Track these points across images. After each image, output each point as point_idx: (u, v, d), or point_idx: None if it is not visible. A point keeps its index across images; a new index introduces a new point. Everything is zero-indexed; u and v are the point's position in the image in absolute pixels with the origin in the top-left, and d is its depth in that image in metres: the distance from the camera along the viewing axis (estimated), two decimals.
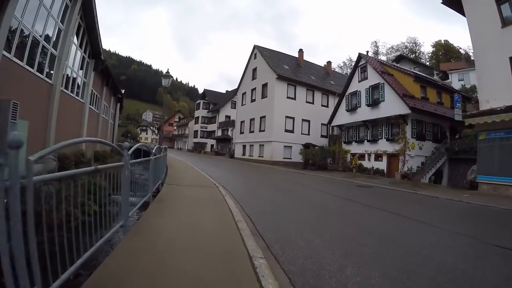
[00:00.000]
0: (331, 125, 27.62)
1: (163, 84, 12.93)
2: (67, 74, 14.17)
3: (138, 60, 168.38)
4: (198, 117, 57.47)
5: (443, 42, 53.44)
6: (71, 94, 14.63)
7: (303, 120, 29.80)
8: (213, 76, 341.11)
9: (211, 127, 53.83)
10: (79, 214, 2.98)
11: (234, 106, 48.69)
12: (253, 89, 32.92)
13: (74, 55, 14.82)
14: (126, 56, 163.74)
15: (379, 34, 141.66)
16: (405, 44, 57.82)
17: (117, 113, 30.04)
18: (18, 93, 9.56)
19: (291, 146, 28.60)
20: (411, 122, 20.19)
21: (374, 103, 22.33)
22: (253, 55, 34.39)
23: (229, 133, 43.01)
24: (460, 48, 51.71)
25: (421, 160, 20.27)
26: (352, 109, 24.58)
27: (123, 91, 30.90)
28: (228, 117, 48.67)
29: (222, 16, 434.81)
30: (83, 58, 16.06)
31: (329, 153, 25.72)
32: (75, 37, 14.68)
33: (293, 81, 29.50)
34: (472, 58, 46.52)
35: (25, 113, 10.00)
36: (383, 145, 21.55)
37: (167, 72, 12.69)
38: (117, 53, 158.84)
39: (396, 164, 20.44)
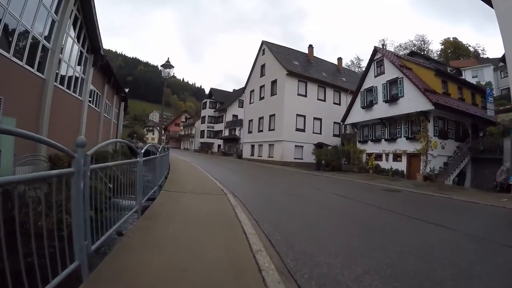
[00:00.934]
0: (345, 123, 26.13)
1: (162, 75, 11.53)
2: (63, 69, 13.18)
3: (144, 61, 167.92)
4: (205, 116, 56.24)
5: (452, 39, 52.36)
6: (67, 90, 13.60)
7: (314, 118, 28.37)
8: (220, 77, 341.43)
9: (218, 126, 52.60)
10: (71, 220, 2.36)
11: (241, 105, 47.39)
12: (262, 86, 31.57)
13: (71, 49, 13.81)
14: (133, 57, 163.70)
15: (386, 33, 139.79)
16: (413, 42, 56.78)
17: (121, 113, 29.02)
18: (2, 88, 8.55)
19: (302, 146, 27.19)
20: (433, 119, 18.68)
21: (392, 99, 20.83)
22: (261, 51, 33.04)
23: (237, 132, 41.71)
24: (469, 45, 50.83)
25: (443, 160, 18.83)
26: (367, 106, 23.13)
27: (127, 90, 29.80)
28: (235, 116, 47.44)
29: (229, 17, 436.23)
30: (81, 53, 15.02)
31: (343, 153, 24.25)
32: (72, 30, 13.66)
33: (304, 77, 28.10)
34: (481, 56, 46.35)
35: (11, 110, 9.00)
36: (402, 144, 20.08)
37: (167, 61, 11.31)
38: (123, 54, 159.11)
39: (417, 164, 18.98)
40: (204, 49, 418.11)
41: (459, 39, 51.99)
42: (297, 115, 27.17)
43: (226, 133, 48.23)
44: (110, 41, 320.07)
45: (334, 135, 29.97)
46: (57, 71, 12.47)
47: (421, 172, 18.28)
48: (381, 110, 21.75)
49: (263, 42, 32.35)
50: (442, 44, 53.15)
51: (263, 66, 32.11)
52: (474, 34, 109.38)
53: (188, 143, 69.13)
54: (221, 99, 55.09)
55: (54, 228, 2.09)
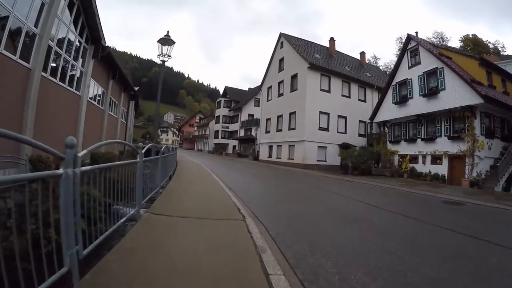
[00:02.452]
0: (374, 121, 23.47)
1: (159, 54, 9.30)
2: (56, 60, 11.42)
3: (159, 62, 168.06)
4: (219, 116, 54.02)
5: (471, 36, 50.19)
6: (61, 83, 11.82)
7: (339, 116, 25.86)
8: (236, 78, 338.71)
9: (233, 126, 50.41)
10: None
11: (257, 104, 45.38)
12: (280, 82, 29.20)
13: (66, 37, 11.98)
14: (147, 59, 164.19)
15: (403, 31, 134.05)
16: (431, 39, 53.13)
17: (130, 112, 27.33)
18: None
19: (325, 147, 24.74)
20: (480, 115, 16.14)
21: (430, 93, 18.25)
22: (279, 44, 30.77)
23: (253, 133, 39.43)
24: (489, 42, 48.98)
25: (490, 162, 16.33)
26: (401, 102, 20.53)
27: (136, 88, 28.09)
28: (251, 115, 45.20)
29: (245, 19, 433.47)
30: (79, 43, 13.23)
31: (373, 155, 21.66)
32: (68, 16, 11.91)
33: (327, 71, 25.64)
34: (501, 53, 43.42)
35: None
36: (443, 145, 17.50)
37: (167, 35, 9.05)
38: (138, 56, 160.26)
39: (461, 168, 16.41)
40: (220, 50, 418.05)
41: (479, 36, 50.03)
42: (320, 112, 24.71)
43: (241, 133, 46.01)
44: (126, 44, 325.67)
45: (360, 135, 27.40)
46: (49, 62, 10.78)
47: (466, 177, 15.67)
48: (417, 105, 19.18)
49: (281, 35, 30.06)
50: (462, 41, 51.12)
51: (281, 60, 29.76)
52: (491, 33, 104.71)
53: (202, 144, 67.30)
54: (236, 98, 52.94)
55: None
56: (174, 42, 8.95)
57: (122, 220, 3.43)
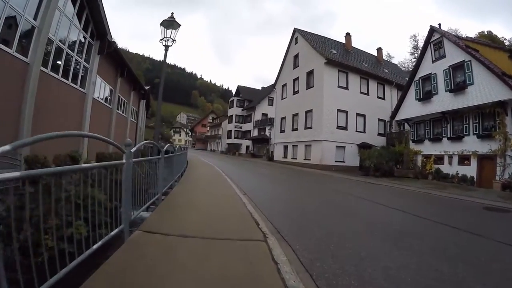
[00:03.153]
0: (395, 119, 22.05)
1: (162, 38, 8.32)
2: (58, 54, 10.74)
3: (171, 63, 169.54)
4: (232, 115, 53.16)
5: (486, 33, 47.94)
6: (63, 79, 11.15)
7: (357, 114, 24.54)
8: (249, 79, 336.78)
9: (246, 126, 49.46)
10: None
11: (271, 103, 44.40)
12: (295, 79, 28.07)
13: (68, 31, 11.31)
14: (160, 60, 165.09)
15: (416, 29, 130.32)
16: None
17: (141, 111, 26.78)
18: None
19: (344, 147, 23.49)
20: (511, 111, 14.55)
21: (457, 88, 16.85)
22: (293, 39, 29.68)
23: (267, 132, 38.38)
24: (505, 39, 46.56)
25: None
26: (424, 98, 19.15)
27: (147, 87, 27.53)
28: (265, 115, 44.15)
29: (258, 20, 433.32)
30: (84, 39, 12.62)
31: (395, 155, 20.31)
32: (71, 8, 11.31)
33: (344, 66, 24.37)
34: None
35: None
36: (472, 144, 16.10)
37: (171, 17, 8.07)
38: (151, 57, 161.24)
39: (491, 169, 15.02)
40: (232, 51, 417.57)
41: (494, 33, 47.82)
42: (338, 110, 23.45)
43: (255, 133, 45.04)
44: (139, 45, 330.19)
45: (379, 134, 25.95)
46: (50, 57, 10.14)
47: (498, 179, 14.28)
48: (443, 101, 17.78)
49: (296, 30, 28.95)
50: (477, 37, 48.80)
51: (296, 57, 28.64)
52: (506, 31, 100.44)
53: (214, 144, 66.70)
54: (249, 97, 52.00)
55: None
56: (179, 25, 7.97)
57: (98, 244, 2.49)
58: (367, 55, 32.53)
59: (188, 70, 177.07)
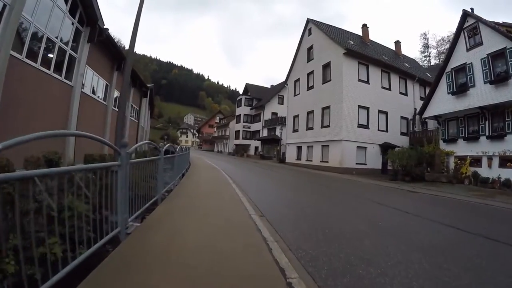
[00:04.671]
0: (424, 116, 19.71)
1: None
2: (36, 40, 9.05)
3: (179, 65, 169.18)
4: (240, 115, 50.70)
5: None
6: (43, 69, 9.33)
7: (379, 111, 22.22)
8: (258, 80, 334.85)
9: (255, 126, 47.09)
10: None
11: (281, 101, 42.43)
12: (310, 73, 25.80)
13: (51, 13, 9.48)
14: (167, 61, 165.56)
15: (427, 27, 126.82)
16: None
17: (144, 110, 24.93)
18: None
19: (365, 147, 21.21)
20: None
21: (499, 79, 14.66)
22: (306, 31, 27.48)
23: (277, 132, 36.12)
24: None
25: None
26: (458, 92, 16.87)
27: (150, 85, 25.68)
28: (274, 114, 41.84)
29: (268, 23, 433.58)
30: (72, 24, 10.79)
31: (424, 157, 18.05)
32: None
33: (364, 58, 22.09)
34: None
35: None
36: None
37: None
38: (158, 58, 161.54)
39: None
40: (242, 53, 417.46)
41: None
42: (359, 106, 21.15)
43: (264, 133, 42.67)
44: (147, 47, 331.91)
45: (402, 134, 23.61)
46: (25, 42, 8.39)
47: None
48: (482, 95, 15.58)
49: (309, 21, 26.73)
50: None
51: (310, 49, 26.40)
52: None
53: (222, 145, 64.52)
54: (258, 96, 49.77)
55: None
56: None
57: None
58: (385, 48, 30.17)
59: (195, 71, 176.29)
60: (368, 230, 4.71)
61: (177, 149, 8.83)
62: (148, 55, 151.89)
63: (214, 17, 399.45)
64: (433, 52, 53.61)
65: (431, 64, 51.58)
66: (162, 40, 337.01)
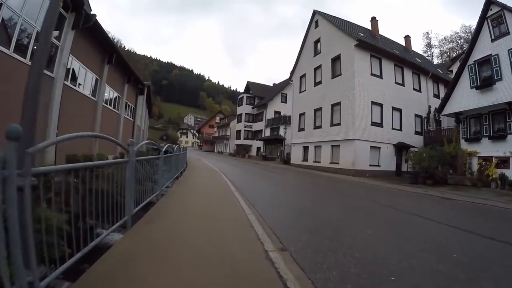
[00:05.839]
0: (443, 113, 18.13)
1: None
2: (8, 23, 7.65)
3: (179, 65, 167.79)
4: (241, 114, 48.79)
5: None
6: (16, 55, 7.83)
7: (393, 108, 20.57)
8: (261, 81, 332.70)
9: (257, 126, 45.33)
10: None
11: (284, 99, 40.85)
12: (317, 68, 24.09)
13: None
14: (167, 62, 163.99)
15: (429, 26, 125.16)
16: (460, 34, 50.63)
17: (140, 109, 23.40)
18: None
19: (379, 147, 19.57)
20: None
21: None
22: (312, 23, 25.80)
23: (281, 132, 34.49)
24: None
25: None
26: (483, 86, 15.39)
27: (147, 82, 24.16)
28: (277, 113, 40.14)
29: (270, 24, 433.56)
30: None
31: (445, 157, 16.51)
32: None
33: (377, 50, 20.47)
34: None
35: None
36: None
37: None
38: (158, 59, 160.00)
39: None
40: (244, 54, 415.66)
41: None
42: (373, 103, 19.47)
43: (267, 133, 40.98)
44: (147, 48, 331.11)
45: (416, 133, 22.02)
46: None
47: None
48: (510, 89, 14.09)
49: (316, 12, 25.04)
50: None
51: (317, 42, 24.70)
52: None
53: (222, 146, 62.71)
54: (260, 94, 48.01)
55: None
56: None
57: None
58: (395, 43, 28.60)
59: (196, 71, 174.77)
60: (437, 265, 3.13)
61: (164, 147, 7.21)
62: (149, 56, 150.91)
63: (216, 18, 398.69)
64: (436, 51, 52.42)
65: (434, 64, 50.77)
66: (163, 41, 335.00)
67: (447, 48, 52.12)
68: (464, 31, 50.31)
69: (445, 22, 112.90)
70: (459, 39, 50.82)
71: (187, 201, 6.18)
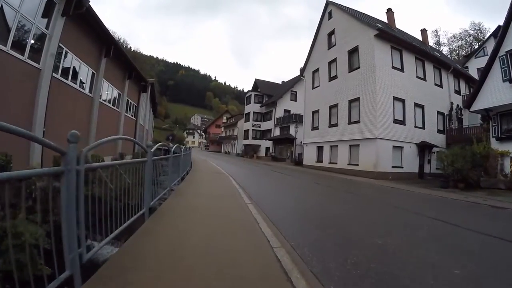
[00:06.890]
0: (472, 109, 16.49)
1: None
2: None
3: (185, 65, 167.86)
4: (249, 113, 47.09)
5: None
6: None
7: (415, 104, 18.98)
8: (269, 80, 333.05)
9: (266, 125, 43.74)
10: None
11: (294, 97, 39.46)
12: (332, 62, 22.53)
13: None
14: (174, 62, 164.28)
15: (437, 24, 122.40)
16: (469, 32, 49.47)
17: (144, 108, 22.23)
18: None
19: (401, 147, 17.98)
20: None
21: None
22: (325, 15, 24.29)
23: (291, 131, 33.01)
24: None
25: None
26: None
27: (151, 80, 22.99)
28: (287, 111, 38.65)
29: (277, 25, 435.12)
30: None
31: (475, 158, 14.95)
32: None
33: (398, 42, 18.90)
34: None
35: None
36: None
37: None
38: (164, 59, 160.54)
39: None
40: (250, 54, 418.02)
41: None
42: (394, 98, 17.89)
43: (276, 132, 39.44)
44: (154, 48, 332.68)
45: (438, 131, 20.42)
46: None
47: None
48: None
49: (329, 3, 23.52)
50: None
51: (331, 34, 23.16)
52: None
53: (229, 146, 61.26)
54: (268, 92, 46.29)
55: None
56: None
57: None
58: (411, 37, 27.03)
59: (202, 72, 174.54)
60: None
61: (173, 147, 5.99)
62: (155, 56, 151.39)
63: (223, 18, 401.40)
64: (445, 49, 51.04)
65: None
66: (170, 42, 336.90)
67: (456, 46, 51.41)
68: (473, 28, 49.11)
69: (453, 20, 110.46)
70: (468, 37, 49.98)
71: (188, 222, 4.46)
